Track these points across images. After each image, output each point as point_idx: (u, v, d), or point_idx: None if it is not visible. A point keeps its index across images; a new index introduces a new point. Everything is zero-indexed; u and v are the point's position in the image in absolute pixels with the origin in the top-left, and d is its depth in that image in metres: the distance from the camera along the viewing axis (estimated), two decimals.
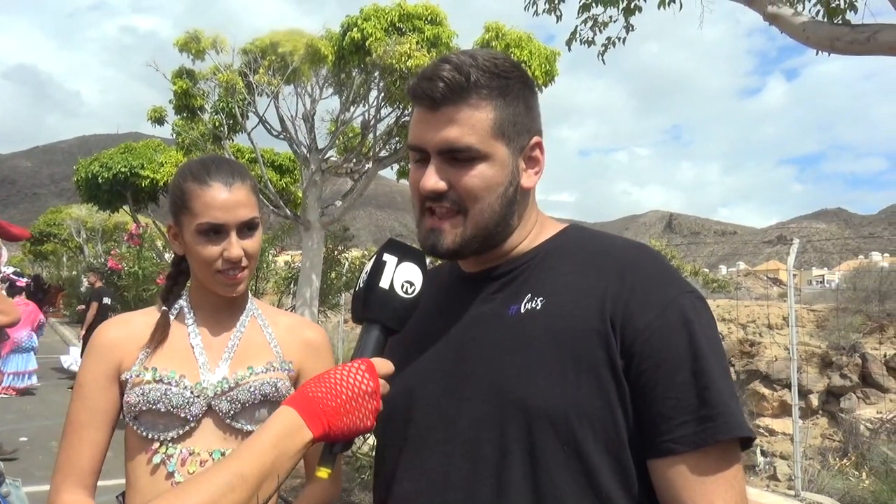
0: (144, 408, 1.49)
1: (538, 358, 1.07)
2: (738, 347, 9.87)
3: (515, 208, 1.17)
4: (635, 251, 1.14)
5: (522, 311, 1.12)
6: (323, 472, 1.04)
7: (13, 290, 11.08)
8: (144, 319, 1.60)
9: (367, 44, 9.32)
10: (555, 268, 1.15)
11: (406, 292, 1.13)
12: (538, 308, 1.11)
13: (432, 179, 1.13)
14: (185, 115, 10.89)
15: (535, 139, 1.17)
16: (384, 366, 1.10)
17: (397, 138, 10.69)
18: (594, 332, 1.05)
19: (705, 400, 1.01)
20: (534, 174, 1.18)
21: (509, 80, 1.14)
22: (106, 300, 12.39)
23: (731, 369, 9.73)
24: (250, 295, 1.69)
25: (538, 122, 1.19)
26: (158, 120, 11.19)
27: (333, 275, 13.09)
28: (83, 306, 13.54)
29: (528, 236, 1.21)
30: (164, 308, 1.60)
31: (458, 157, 1.12)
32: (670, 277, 1.10)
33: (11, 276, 11.42)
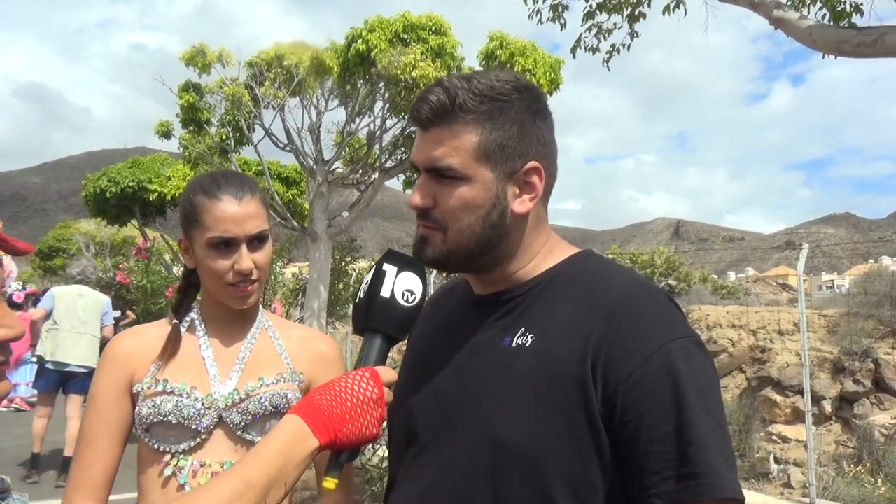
0: (156, 420, 1.49)
1: (517, 397, 1.07)
2: (749, 354, 9.82)
3: (505, 233, 1.16)
4: (634, 290, 1.10)
5: (514, 344, 1.12)
6: (330, 483, 1.04)
7: (13, 306, 11.15)
8: (157, 332, 1.60)
9: (371, 55, 9.37)
10: (552, 301, 1.14)
11: (407, 301, 1.14)
12: (527, 344, 1.10)
13: (417, 196, 1.16)
14: (191, 128, 10.94)
15: (531, 164, 1.14)
16: (388, 374, 1.11)
17: (403, 148, 10.72)
18: (573, 377, 1.03)
19: (687, 456, 0.96)
20: (528, 200, 1.16)
21: (504, 104, 1.13)
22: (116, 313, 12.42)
23: (743, 376, 9.65)
24: (261, 307, 1.70)
25: (539, 147, 1.16)
26: (165, 134, 11.25)
27: (341, 286, 13.11)
28: None
29: (533, 261, 1.20)
30: (174, 321, 1.61)
31: (443, 176, 1.14)
32: (665, 321, 1.06)
33: (20, 294, 11.52)
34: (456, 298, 1.32)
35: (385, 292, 1.14)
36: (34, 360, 11.65)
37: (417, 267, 1.18)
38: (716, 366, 1.14)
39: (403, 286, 1.15)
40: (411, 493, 1.17)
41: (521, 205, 1.16)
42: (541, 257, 1.20)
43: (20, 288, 12.63)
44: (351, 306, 13.67)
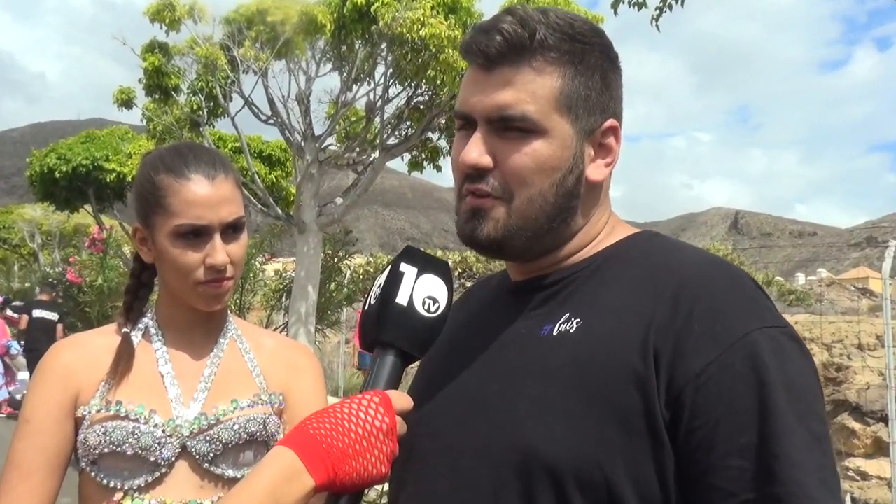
0: (107, 450, 1.47)
1: (556, 393, 1.03)
2: (822, 373, 9.75)
3: (577, 203, 1.13)
4: (709, 269, 1.07)
5: (555, 332, 1.09)
6: None
7: None
8: (104, 342, 1.58)
9: (372, 9, 9.36)
10: (606, 282, 1.11)
11: (428, 310, 1.12)
12: (571, 331, 1.07)
13: (475, 152, 1.10)
14: (157, 96, 10.98)
15: (611, 122, 1.14)
16: (402, 400, 1.08)
17: (409, 123, 10.73)
18: (629, 371, 0.99)
19: (773, 474, 0.92)
20: (604, 165, 1.15)
21: (586, 47, 1.11)
22: (42, 314, 12.59)
23: None
24: (229, 312, 1.68)
25: (617, 104, 1.16)
26: (126, 103, 11.29)
27: (333, 286, 13.12)
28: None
29: (593, 242, 1.17)
30: (125, 328, 1.59)
31: (510, 128, 1.09)
32: (748, 305, 1.02)
33: None
34: (490, 288, 1.31)
35: (402, 299, 1.11)
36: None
37: (442, 269, 1.15)
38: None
39: (425, 292, 1.12)
40: None
41: (596, 170, 1.14)
42: (602, 237, 1.18)
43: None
44: (344, 311, 13.72)
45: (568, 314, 1.10)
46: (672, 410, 0.97)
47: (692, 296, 1.02)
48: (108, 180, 17.38)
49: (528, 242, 1.13)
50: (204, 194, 1.50)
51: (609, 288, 1.10)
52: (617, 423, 0.98)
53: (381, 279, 1.15)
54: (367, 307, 1.16)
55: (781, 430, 0.93)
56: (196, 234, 1.50)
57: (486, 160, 1.10)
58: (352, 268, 14.02)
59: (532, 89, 1.08)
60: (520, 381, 1.08)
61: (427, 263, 1.15)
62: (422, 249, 1.18)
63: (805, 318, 11.03)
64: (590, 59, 1.11)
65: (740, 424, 0.94)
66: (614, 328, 1.04)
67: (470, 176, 1.12)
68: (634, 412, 0.98)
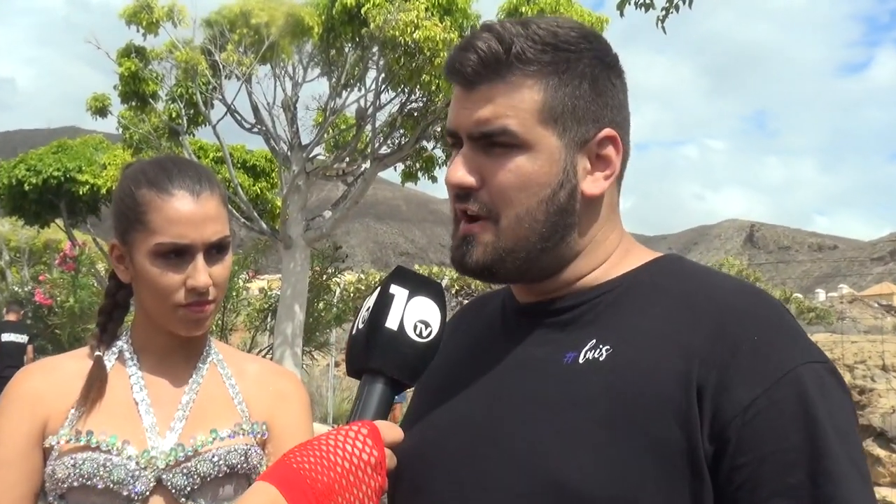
0: (76, 484, 1.46)
1: (586, 425, 1.02)
2: None
3: (573, 221, 1.13)
4: (748, 298, 1.08)
5: (581, 360, 1.07)
6: None
7: None
8: (74, 366, 1.58)
9: (362, 11, 9.40)
10: (635, 309, 1.11)
11: (420, 335, 1.12)
12: (601, 359, 1.06)
13: (459, 171, 1.12)
14: (133, 104, 11.01)
15: (607, 132, 1.13)
16: (391, 431, 1.08)
17: (402, 130, 10.75)
18: (670, 403, 0.99)
19: None
20: (603, 178, 1.14)
21: (571, 55, 1.12)
22: (11, 338, 12.54)
23: None
24: (210, 336, 1.68)
25: (615, 111, 1.15)
26: (100, 111, 11.33)
27: (321, 305, 13.14)
28: None
29: (605, 263, 1.17)
30: (98, 352, 1.58)
31: (494, 144, 1.11)
32: (792, 339, 1.03)
33: None
34: (492, 309, 1.29)
35: (392, 323, 1.12)
36: None
37: (435, 291, 1.16)
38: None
39: (416, 315, 1.13)
40: None
41: (593, 184, 1.13)
42: (616, 259, 1.17)
43: None
44: (333, 332, 13.72)
45: (594, 341, 1.09)
46: (715, 445, 0.97)
47: (736, 327, 1.02)
48: (80, 193, 17.35)
49: (523, 265, 1.13)
50: (187, 211, 1.49)
51: (640, 315, 1.09)
52: (655, 458, 0.98)
53: (370, 301, 1.15)
54: (354, 331, 1.16)
55: (836, 471, 0.94)
56: (177, 254, 1.50)
57: (470, 179, 1.12)
58: (342, 285, 14.04)
59: (512, 103, 1.09)
60: (541, 410, 1.07)
61: (419, 285, 1.15)
62: (417, 265, 1.19)
63: (826, 337, 11.04)
64: (577, 67, 1.12)
65: (789, 463, 0.95)
66: (650, 358, 1.03)
67: (458, 196, 1.14)
68: (674, 446, 0.98)
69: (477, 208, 1.12)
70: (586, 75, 1.12)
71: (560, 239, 1.13)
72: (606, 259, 1.17)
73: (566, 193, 1.11)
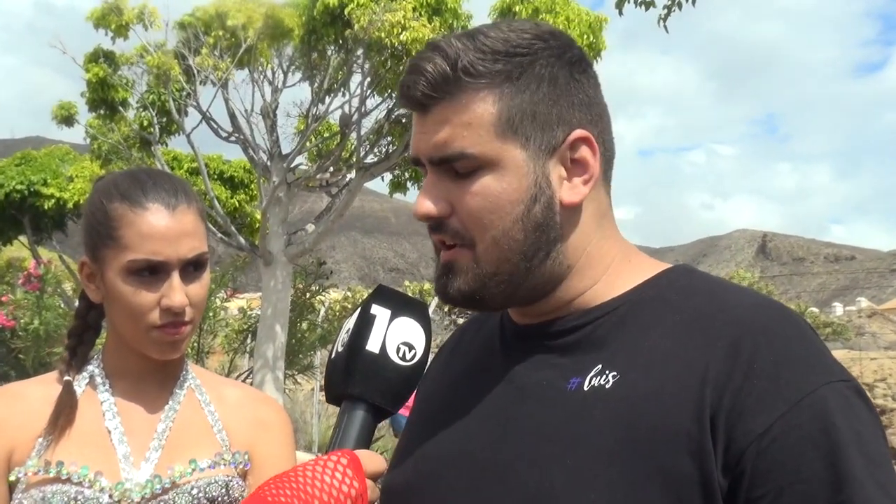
0: None
1: (595, 461, 1.01)
2: None
3: (556, 235, 1.12)
4: (767, 312, 1.06)
5: (586, 387, 1.07)
6: None
7: None
8: (42, 392, 1.57)
9: (345, 12, 9.43)
10: (642, 329, 1.09)
11: (403, 358, 1.13)
12: (607, 386, 1.05)
13: (426, 201, 1.12)
14: (102, 112, 11.00)
15: (577, 133, 1.11)
16: (373, 461, 1.08)
17: (389, 138, 10.77)
18: (682, 433, 0.98)
19: None
20: (582, 184, 1.12)
21: (525, 58, 1.11)
22: None
23: None
24: (187, 359, 1.68)
25: (584, 110, 1.14)
26: (67, 120, 11.33)
27: (305, 325, 13.10)
28: None
29: (605, 278, 1.16)
30: (67, 377, 1.58)
31: (458, 169, 1.11)
32: (813, 357, 1.01)
33: None
34: (489, 330, 1.29)
35: (373, 346, 1.12)
36: None
37: (419, 311, 1.16)
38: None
39: (399, 337, 1.13)
40: None
41: (572, 192, 1.12)
42: (616, 271, 1.16)
43: None
44: (318, 354, 13.68)
45: (600, 366, 1.08)
46: (730, 477, 0.96)
47: (751, 346, 1.00)
48: (45, 207, 17.31)
49: (508, 288, 1.13)
50: (162, 226, 1.50)
51: (648, 336, 1.08)
52: (668, 495, 0.97)
53: (350, 323, 1.16)
54: (333, 355, 1.17)
55: (862, 500, 0.92)
56: (151, 272, 1.50)
57: (436, 209, 1.11)
58: (326, 304, 14.00)
59: (466, 121, 1.09)
60: (548, 445, 1.06)
61: (402, 305, 1.16)
62: (407, 282, 1.21)
63: (843, 354, 11.08)
64: (532, 70, 1.11)
65: (810, 495, 0.93)
66: (661, 384, 1.02)
67: (431, 227, 1.14)
68: (688, 482, 0.96)
69: (450, 237, 1.12)
70: (544, 77, 1.11)
71: (545, 256, 1.12)
72: (605, 273, 1.16)
73: (542, 207, 1.11)
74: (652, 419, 1.00)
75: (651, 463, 0.98)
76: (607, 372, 1.06)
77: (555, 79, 1.12)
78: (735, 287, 1.14)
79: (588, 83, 1.15)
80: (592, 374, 1.07)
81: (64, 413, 1.53)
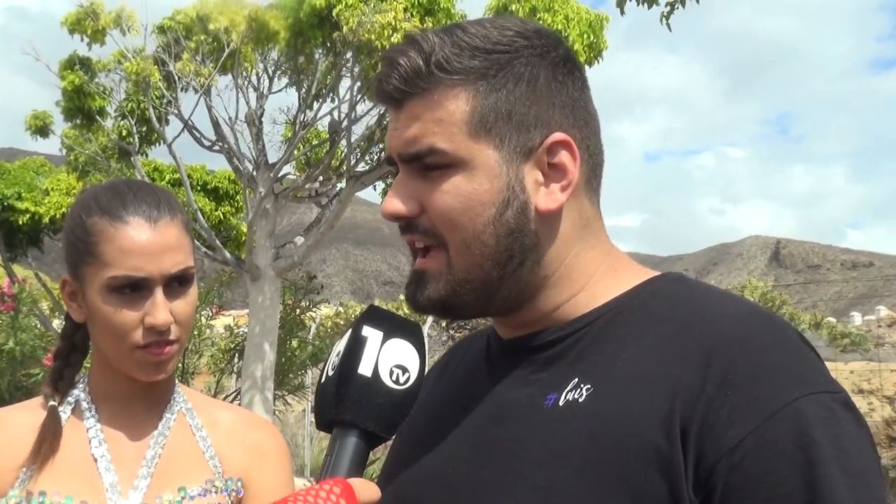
0: None
1: (566, 480, 1.02)
2: (885, 431, 9.77)
3: (531, 242, 1.12)
4: (748, 321, 1.05)
5: (562, 402, 1.07)
6: None
7: None
8: (25, 419, 1.58)
9: (333, 13, 9.45)
10: (621, 340, 1.09)
11: (397, 381, 1.13)
12: (580, 400, 1.06)
13: (394, 200, 1.13)
14: (78, 121, 11.00)
15: (556, 137, 1.11)
16: (367, 490, 1.09)
17: (380, 145, 10.76)
18: (650, 450, 0.97)
19: None
20: (559, 191, 1.12)
21: (503, 56, 1.11)
22: None
23: None
24: (177, 381, 1.69)
25: (566, 112, 1.14)
26: (41, 130, 11.32)
27: (295, 343, 13.07)
28: None
29: (587, 288, 1.16)
30: (52, 402, 1.59)
31: (427, 165, 1.12)
32: (793, 367, 1.00)
33: None
34: (478, 347, 1.30)
35: (365, 369, 1.12)
36: None
37: (413, 332, 1.16)
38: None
39: (392, 360, 1.13)
40: None
41: (548, 198, 1.12)
42: (599, 282, 1.16)
43: None
44: (309, 373, 13.64)
45: (576, 379, 1.08)
46: (701, 495, 0.95)
47: (726, 357, 1.00)
48: (20, 223, 17.26)
49: (482, 297, 1.14)
50: (143, 241, 1.50)
51: (626, 348, 1.08)
52: None
53: (340, 346, 1.16)
54: (323, 379, 1.17)
55: None
56: (133, 289, 1.50)
57: (403, 208, 1.13)
58: (318, 320, 13.98)
59: (437, 117, 1.10)
60: (520, 464, 1.07)
61: (395, 326, 1.15)
62: (402, 296, 1.19)
63: (862, 365, 11.09)
64: (510, 69, 1.11)
65: None
66: (632, 397, 1.02)
67: (401, 228, 1.15)
68: (658, 499, 0.96)
69: (420, 237, 1.14)
70: (523, 76, 1.11)
71: (519, 264, 1.12)
72: (587, 283, 1.16)
73: (515, 212, 1.11)
74: (621, 434, 1.00)
75: (620, 479, 0.98)
76: (582, 386, 1.07)
77: (535, 78, 1.12)
78: (726, 297, 1.13)
79: (573, 85, 1.16)
80: (569, 388, 1.08)
81: (47, 441, 1.53)
